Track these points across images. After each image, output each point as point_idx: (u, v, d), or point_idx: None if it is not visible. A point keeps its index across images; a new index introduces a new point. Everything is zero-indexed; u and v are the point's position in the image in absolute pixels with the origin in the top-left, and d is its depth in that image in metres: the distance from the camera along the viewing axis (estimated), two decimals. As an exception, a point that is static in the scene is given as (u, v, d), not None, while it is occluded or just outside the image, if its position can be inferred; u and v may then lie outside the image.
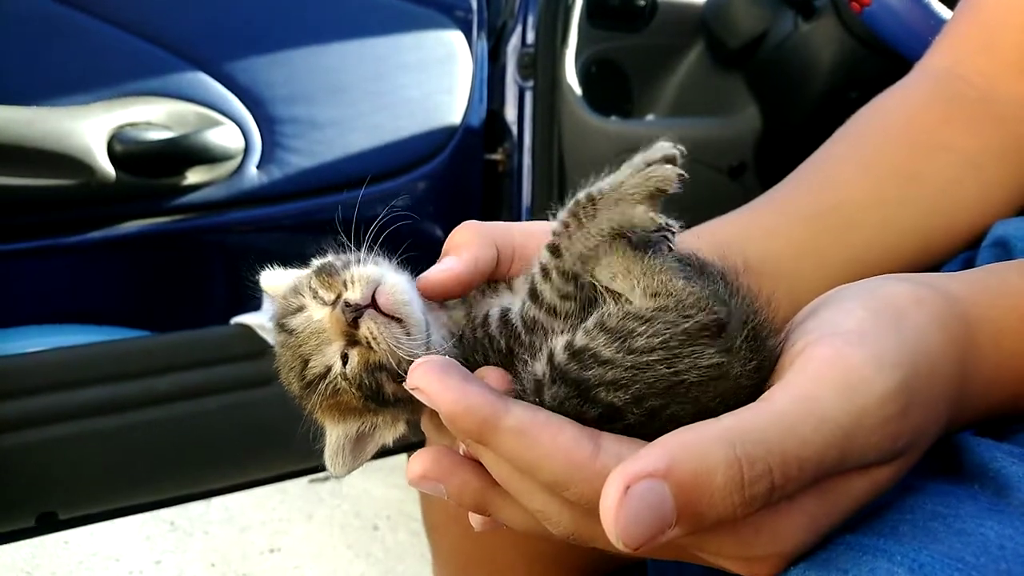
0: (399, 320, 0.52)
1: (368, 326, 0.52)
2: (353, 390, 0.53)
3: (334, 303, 0.53)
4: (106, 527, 2.08)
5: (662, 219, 0.49)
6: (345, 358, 0.53)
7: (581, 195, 0.48)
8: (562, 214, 0.49)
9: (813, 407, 0.39)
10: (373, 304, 0.52)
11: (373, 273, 0.54)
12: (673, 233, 0.49)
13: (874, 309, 0.44)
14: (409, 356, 0.51)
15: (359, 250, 0.57)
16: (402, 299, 0.53)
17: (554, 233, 0.49)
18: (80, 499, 1.26)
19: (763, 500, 0.37)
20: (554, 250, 0.48)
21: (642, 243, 0.48)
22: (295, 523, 2.23)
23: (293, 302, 0.57)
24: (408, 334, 0.52)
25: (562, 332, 0.47)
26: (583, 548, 0.47)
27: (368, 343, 0.52)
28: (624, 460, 0.37)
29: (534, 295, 0.50)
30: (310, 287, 0.56)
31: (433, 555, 1.00)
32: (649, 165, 0.46)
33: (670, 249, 0.50)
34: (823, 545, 0.42)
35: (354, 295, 0.52)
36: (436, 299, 0.55)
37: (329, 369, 0.54)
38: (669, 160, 0.47)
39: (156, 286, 1.44)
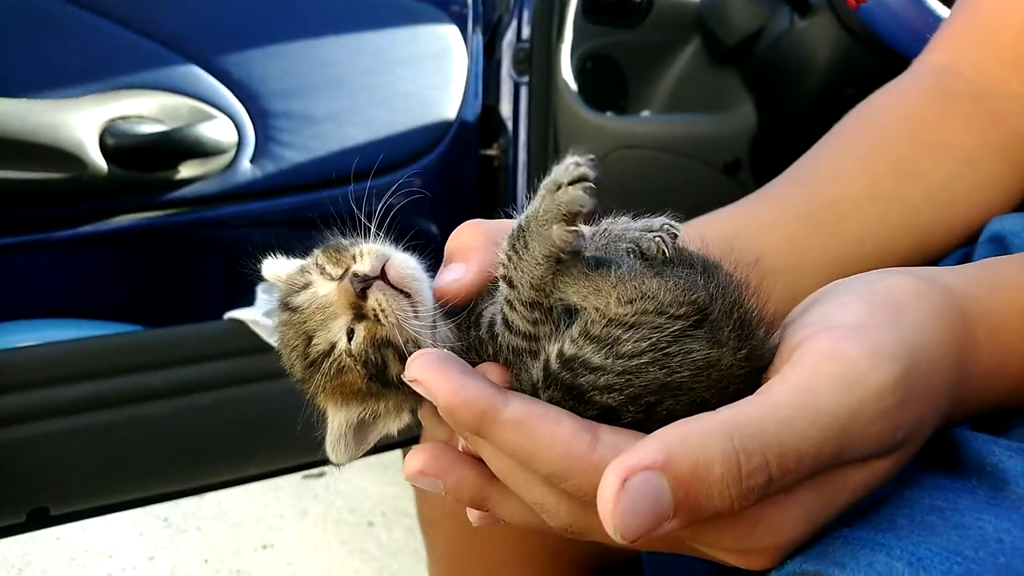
0: (408, 295, 0.52)
1: (376, 297, 0.51)
2: (358, 367, 0.52)
3: (342, 276, 0.53)
4: (98, 523, 2.07)
5: (660, 220, 0.49)
6: (351, 333, 0.52)
7: (515, 224, 0.48)
8: (504, 245, 0.48)
9: (811, 400, 0.39)
10: (382, 277, 0.52)
11: (383, 248, 0.54)
12: (675, 235, 0.49)
13: (872, 303, 0.44)
14: (416, 334, 0.51)
15: (373, 233, 0.57)
16: (411, 273, 0.53)
17: (502, 265, 0.48)
18: (72, 495, 1.26)
19: (760, 493, 0.37)
20: (508, 282, 0.48)
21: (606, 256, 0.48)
22: (288, 519, 2.23)
23: (298, 280, 0.56)
24: (415, 312, 0.51)
25: (549, 343, 0.47)
26: (578, 544, 0.47)
27: (376, 315, 0.51)
28: (622, 452, 0.37)
29: (507, 324, 0.49)
30: (317, 264, 0.55)
31: (428, 551, 1.00)
32: (559, 187, 0.45)
33: (642, 255, 0.49)
34: (820, 538, 0.42)
35: (363, 266, 0.52)
36: (446, 305, 0.54)
37: (334, 346, 0.53)
38: (579, 180, 0.44)
39: (149, 281, 1.44)
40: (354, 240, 0.56)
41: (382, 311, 0.51)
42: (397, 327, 0.51)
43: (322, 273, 0.55)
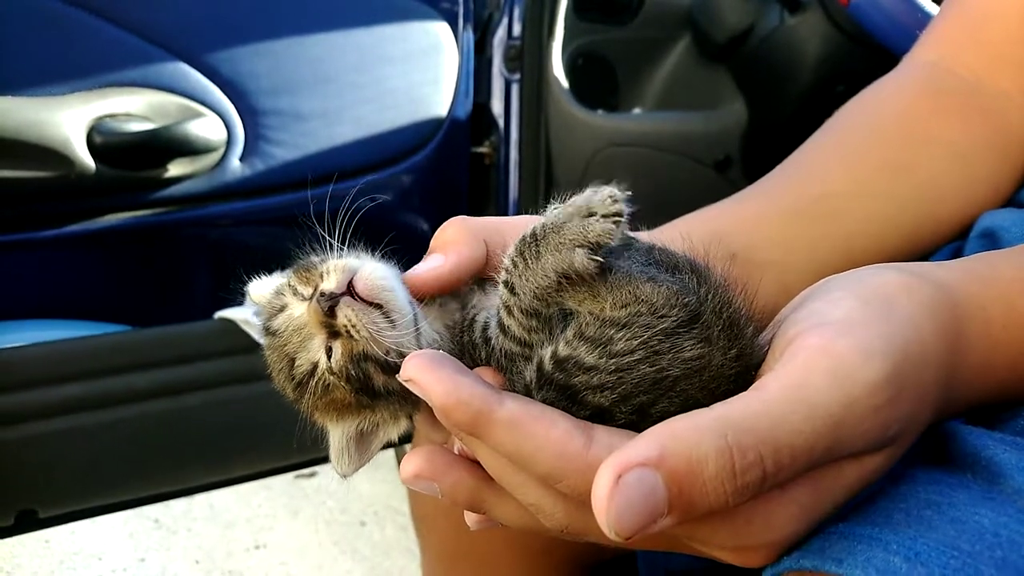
0: (379, 306, 0.51)
1: (345, 314, 0.51)
2: (342, 384, 0.52)
3: (311, 296, 0.52)
4: (88, 525, 2.05)
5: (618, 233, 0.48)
6: (329, 351, 0.52)
7: (527, 231, 0.47)
8: (511, 251, 0.48)
9: (804, 396, 0.39)
10: (350, 292, 0.51)
11: (350, 263, 0.54)
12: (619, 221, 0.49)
13: (863, 298, 0.44)
14: (395, 344, 0.50)
15: (341, 244, 0.56)
16: (380, 284, 0.52)
17: (506, 270, 0.48)
18: (61, 497, 1.24)
19: (755, 489, 0.37)
20: (510, 288, 0.48)
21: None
22: (280, 520, 2.22)
23: (276, 303, 0.56)
24: (390, 321, 0.51)
25: (542, 348, 0.47)
26: (572, 542, 0.47)
27: (347, 332, 0.51)
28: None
29: (502, 328, 0.49)
30: (290, 285, 0.55)
31: (421, 548, 1.00)
32: (592, 215, 0.45)
33: (628, 246, 0.49)
34: (817, 534, 0.42)
35: (329, 284, 0.52)
36: (421, 297, 0.54)
37: (315, 366, 0.53)
38: (614, 215, 0.45)
39: (137, 280, 1.42)
40: (324, 256, 0.55)
41: (352, 326, 0.50)
42: (371, 340, 0.50)
43: (295, 294, 0.55)
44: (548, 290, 0.46)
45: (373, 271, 0.53)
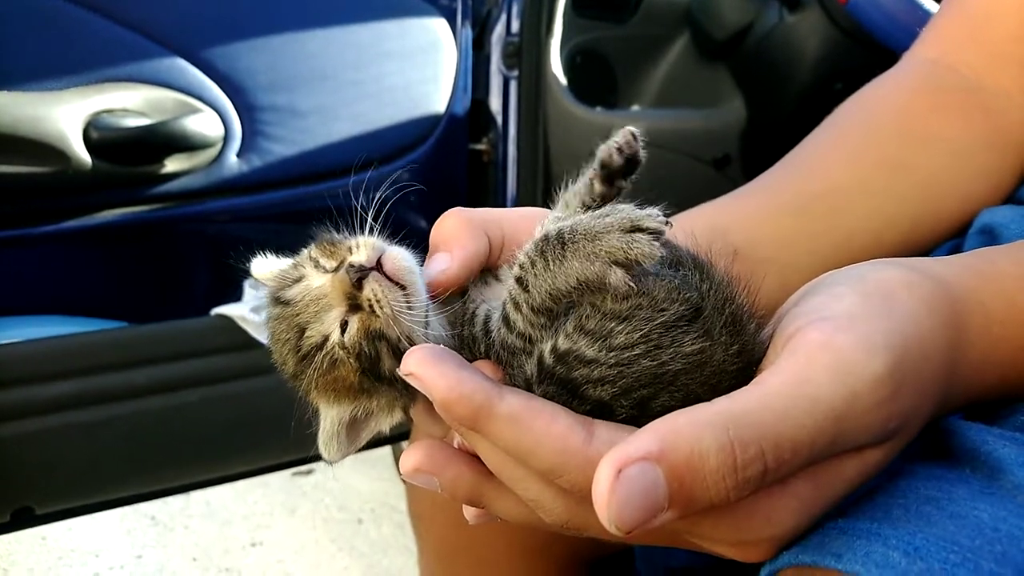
0: (403, 288, 0.52)
1: (372, 287, 0.51)
2: (351, 360, 0.52)
3: (337, 268, 0.53)
4: (85, 522, 2.05)
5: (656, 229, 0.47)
6: (344, 326, 0.52)
7: (551, 231, 0.46)
8: (529, 248, 0.47)
9: (806, 390, 0.39)
10: (378, 268, 0.52)
11: (379, 241, 0.54)
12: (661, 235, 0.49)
13: (864, 293, 0.44)
14: (409, 327, 0.51)
15: (352, 233, 0.57)
16: (407, 266, 0.53)
17: (520, 267, 0.47)
18: (57, 494, 1.24)
19: (756, 483, 0.37)
20: (523, 285, 0.47)
21: None
22: (277, 517, 2.22)
23: (290, 275, 0.56)
24: (410, 304, 0.51)
25: (543, 342, 0.47)
26: (570, 538, 0.47)
27: (371, 306, 0.51)
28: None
29: (507, 322, 0.49)
30: (311, 257, 0.56)
31: (419, 546, 1.00)
32: (636, 229, 0.44)
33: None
34: (816, 529, 0.42)
35: (360, 257, 0.52)
36: (433, 297, 0.54)
37: (327, 338, 0.53)
38: (655, 232, 0.44)
39: (134, 276, 1.42)
40: (347, 235, 0.56)
41: (377, 302, 0.51)
42: (392, 318, 0.51)
43: (316, 266, 0.55)
44: (565, 293, 0.45)
45: (401, 252, 0.54)
